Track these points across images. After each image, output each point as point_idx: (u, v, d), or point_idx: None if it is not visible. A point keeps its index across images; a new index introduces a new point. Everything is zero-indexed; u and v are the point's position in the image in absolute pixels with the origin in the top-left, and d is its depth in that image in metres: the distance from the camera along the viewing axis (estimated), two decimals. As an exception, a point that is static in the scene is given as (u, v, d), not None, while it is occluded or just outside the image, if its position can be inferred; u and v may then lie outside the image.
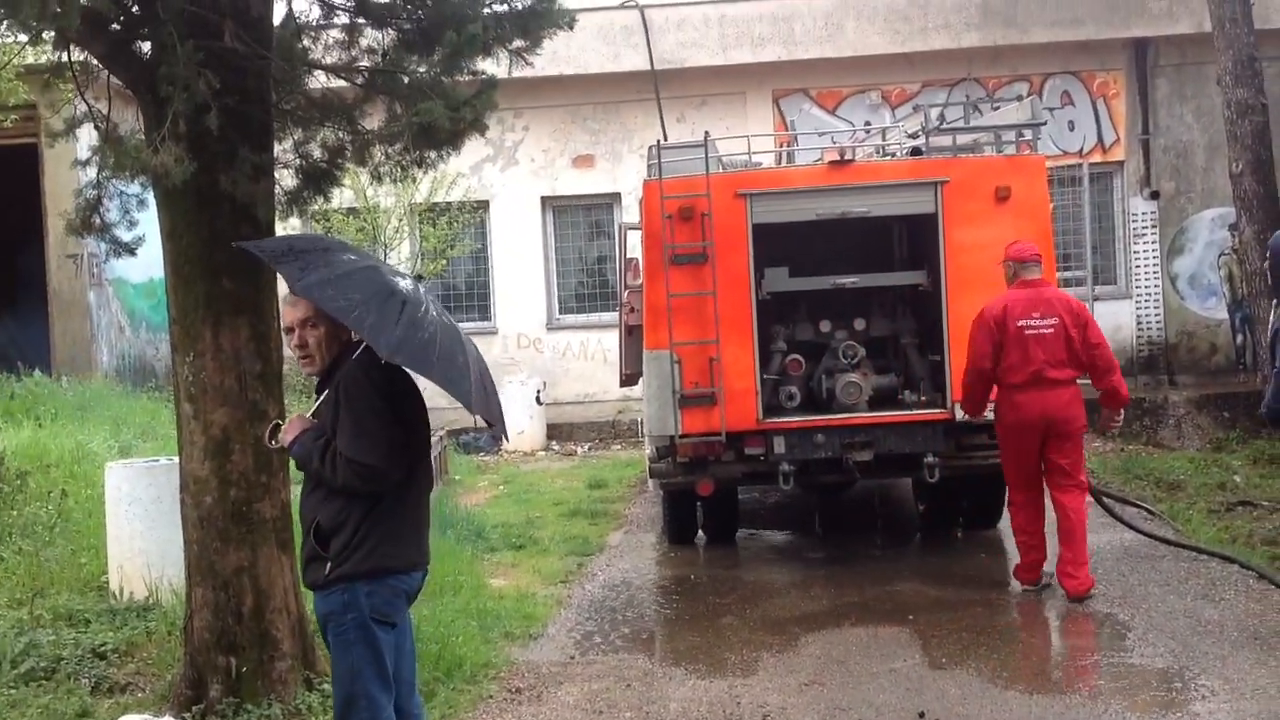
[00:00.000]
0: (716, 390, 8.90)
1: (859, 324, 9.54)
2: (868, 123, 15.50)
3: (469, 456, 15.53)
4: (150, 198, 6.39)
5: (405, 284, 4.43)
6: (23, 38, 6.44)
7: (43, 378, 13.96)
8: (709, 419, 8.94)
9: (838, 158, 9.20)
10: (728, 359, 8.92)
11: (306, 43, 6.86)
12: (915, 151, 9.73)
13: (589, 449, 16.60)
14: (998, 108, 10.95)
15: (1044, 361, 7.92)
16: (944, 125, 10.08)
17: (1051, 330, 7.95)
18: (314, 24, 6.94)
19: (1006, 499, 8.54)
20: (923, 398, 9.19)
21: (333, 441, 4.37)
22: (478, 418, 4.58)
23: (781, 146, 12.12)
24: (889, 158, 10.23)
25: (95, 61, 6.45)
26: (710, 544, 10.37)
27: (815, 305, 9.57)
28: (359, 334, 4.35)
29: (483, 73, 6.67)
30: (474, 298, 17.83)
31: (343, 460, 4.31)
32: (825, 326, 9.55)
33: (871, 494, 11.73)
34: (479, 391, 4.38)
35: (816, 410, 9.26)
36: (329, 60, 6.87)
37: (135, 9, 5.90)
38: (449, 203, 16.52)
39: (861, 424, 9.04)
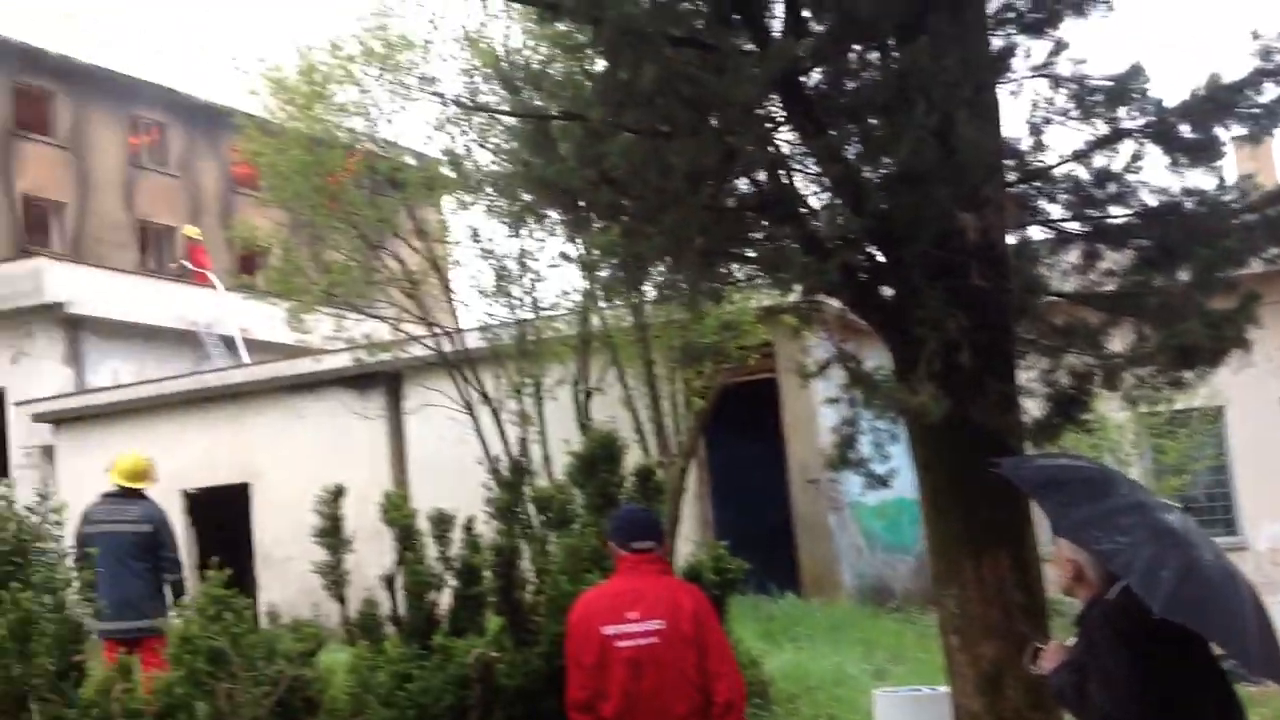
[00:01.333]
0: None
1: None
2: None
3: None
4: (899, 430, 6.61)
5: (1176, 520, 4.13)
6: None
7: (793, 599, 14.68)
8: None
9: None
10: None
11: (1042, 269, 6.87)
12: None
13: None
14: None
15: None
16: None
17: None
18: (1047, 248, 6.94)
19: None
20: None
21: (1086, 682, 4.13)
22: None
23: None
24: None
25: (836, 304, 6.89)
26: None
27: None
28: (1127, 581, 4.10)
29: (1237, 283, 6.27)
30: (1215, 510, 16.64)
31: (1101, 710, 4.07)
32: None
33: None
34: (1260, 647, 3.92)
35: None
36: (1066, 286, 6.81)
37: (882, 258, 6.24)
38: (1182, 412, 15.64)
39: None
